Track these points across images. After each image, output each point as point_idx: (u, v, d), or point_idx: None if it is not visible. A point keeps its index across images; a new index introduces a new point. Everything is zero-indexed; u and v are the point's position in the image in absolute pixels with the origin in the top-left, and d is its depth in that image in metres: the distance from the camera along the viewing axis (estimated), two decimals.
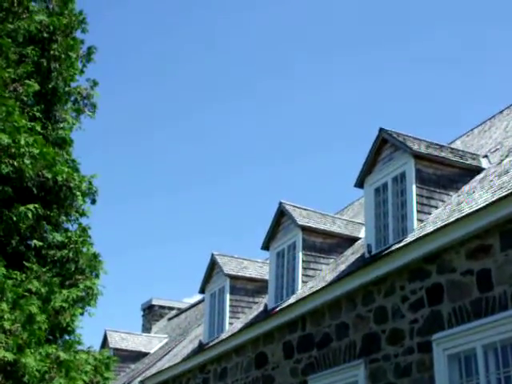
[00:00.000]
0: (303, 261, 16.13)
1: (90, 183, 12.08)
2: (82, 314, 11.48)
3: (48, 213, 11.51)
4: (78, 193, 11.65)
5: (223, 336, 18.28)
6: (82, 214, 12.11)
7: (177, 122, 53.82)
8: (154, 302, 32.88)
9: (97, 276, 11.80)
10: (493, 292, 10.28)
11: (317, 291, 14.10)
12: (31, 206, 10.96)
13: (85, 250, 11.79)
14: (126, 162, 55.59)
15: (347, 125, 51.68)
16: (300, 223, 16.23)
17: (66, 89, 12.35)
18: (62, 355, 10.28)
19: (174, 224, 57.77)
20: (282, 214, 16.96)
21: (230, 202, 55.98)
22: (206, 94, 52.62)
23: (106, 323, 58.12)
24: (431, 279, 11.54)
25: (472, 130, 18.49)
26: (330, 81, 49.41)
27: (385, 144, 13.77)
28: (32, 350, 9.78)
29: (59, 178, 11.23)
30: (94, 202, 12.26)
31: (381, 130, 13.77)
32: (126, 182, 56.23)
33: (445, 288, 11.21)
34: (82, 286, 11.37)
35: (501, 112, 17.72)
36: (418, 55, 46.16)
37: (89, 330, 43.17)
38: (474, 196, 11.77)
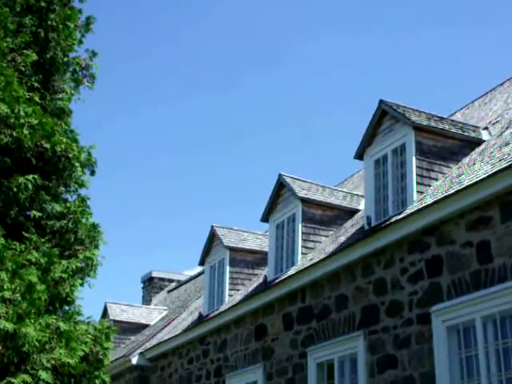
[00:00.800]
0: (303, 233, 16.14)
1: (89, 154, 12.03)
2: (81, 284, 11.48)
3: (47, 183, 11.47)
4: (77, 163, 11.60)
5: (223, 308, 18.33)
6: (81, 185, 12.06)
7: (176, 92, 53.66)
8: (154, 275, 32.94)
9: (96, 247, 11.78)
10: (492, 264, 10.28)
11: (316, 263, 14.12)
12: (30, 177, 10.93)
13: (84, 220, 11.77)
14: (126, 134, 55.48)
15: (347, 96, 51.54)
16: (300, 195, 16.22)
17: (65, 59, 12.25)
18: (62, 325, 10.29)
19: (174, 196, 57.84)
20: (281, 186, 16.94)
21: (230, 174, 56.00)
22: (208, 65, 52.44)
23: (107, 295, 58.41)
24: (431, 251, 11.54)
25: (472, 102, 18.45)
26: (330, 55, 49.23)
27: (385, 116, 13.72)
28: (32, 320, 9.79)
29: (58, 149, 11.18)
30: (93, 173, 12.22)
31: (381, 101, 13.71)
32: (126, 153, 56.16)
33: (444, 260, 11.22)
34: (81, 256, 11.35)
35: (501, 84, 17.66)
36: (420, 25, 45.93)
37: (89, 302, 43.28)
38: (474, 168, 11.74)
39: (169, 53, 52.59)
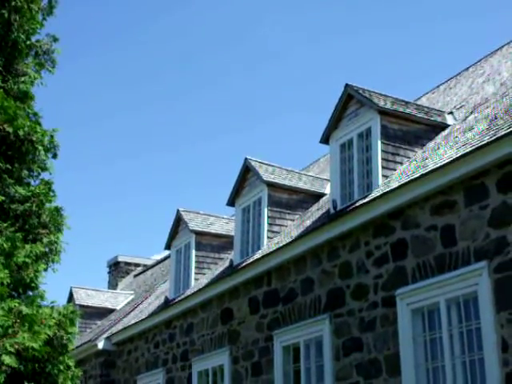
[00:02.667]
0: (269, 217, 16.16)
1: (52, 137, 11.88)
2: (45, 269, 11.36)
3: (10, 167, 11.32)
4: (40, 147, 11.45)
5: (189, 292, 18.32)
6: (45, 169, 11.91)
7: (138, 73, 53.32)
8: (120, 259, 32.83)
9: (60, 231, 11.65)
10: (456, 247, 10.36)
11: (282, 247, 14.14)
12: None
13: (47, 204, 11.63)
14: (89, 118, 55.05)
15: (313, 81, 51.56)
16: (265, 179, 16.23)
17: (28, 42, 12.09)
18: (25, 309, 10.18)
19: (139, 180, 57.56)
20: (247, 170, 16.93)
21: (197, 158, 55.86)
22: (175, 54, 52.16)
23: (72, 280, 58.07)
24: (396, 235, 11.60)
25: (438, 86, 18.56)
26: (298, 37, 49.16)
27: (351, 100, 13.74)
28: None
29: (21, 132, 11.02)
30: (55, 156, 12.04)
31: (347, 85, 13.72)
32: (89, 136, 55.72)
33: (409, 243, 11.29)
34: (45, 240, 11.23)
35: (466, 69, 17.78)
36: (385, 11, 46.04)
37: (55, 287, 43.12)
38: (439, 152, 11.81)
39: (132, 37, 52.22)
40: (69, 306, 11.29)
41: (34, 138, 11.24)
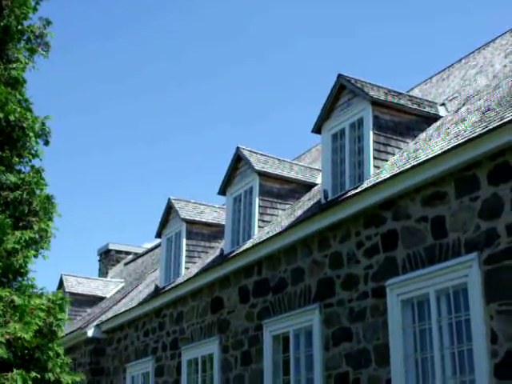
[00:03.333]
0: (260, 206, 16.16)
1: (44, 124, 11.81)
2: (35, 256, 11.32)
3: (0, 154, 11.28)
4: (31, 134, 11.39)
5: (179, 280, 18.32)
6: (35, 156, 11.86)
7: (132, 62, 53.18)
8: (111, 247, 32.82)
9: (50, 218, 11.61)
10: (447, 239, 10.38)
11: (273, 236, 14.14)
12: None
13: (38, 191, 11.59)
14: (82, 106, 54.90)
15: (306, 71, 51.51)
16: (257, 168, 16.21)
17: (19, 27, 12.00)
18: (17, 299, 10.15)
19: (131, 169, 57.47)
20: (238, 159, 16.91)
21: (188, 147, 55.79)
22: (169, 43, 52.00)
23: (63, 268, 58.01)
24: (386, 225, 11.61)
25: (430, 78, 18.55)
26: (292, 28, 49.06)
27: (343, 90, 13.73)
28: None
29: (11, 118, 10.96)
30: (47, 143, 12.00)
31: (339, 75, 13.71)
32: (82, 124, 55.57)
33: (399, 234, 11.30)
34: (35, 227, 11.20)
35: (459, 61, 17.77)
36: (379, 3, 45.97)
37: (45, 275, 42.98)
38: (431, 143, 11.81)
39: (127, 25, 52.04)
40: (58, 292, 11.27)
41: (25, 125, 11.19)
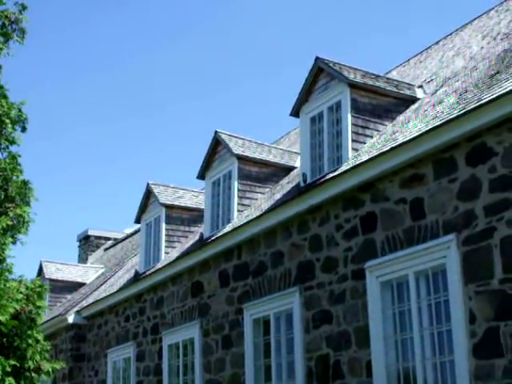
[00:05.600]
0: (239, 190, 16.15)
1: (20, 110, 11.71)
2: (13, 242, 11.26)
3: None
4: (7, 120, 11.29)
5: (159, 265, 18.30)
6: (12, 142, 11.75)
7: (111, 48, 52.84)
8: (90, 233, 32.74)
9: (27, 204, 11.54)
10: (425, 220, 10.41)
11: (252, 220, 14.14)
12: None
13: (14, 177, 11.51)
14: (58, 89, 54.50)
15: (283, 54, 51.43)
16: (236, 152, 16.19)
17: None
18: None
19: (110, 153, 57.23)
20: (217, 143, 16.88)
21: (166, 131, 55.61)
22: (147, 22, 51.69)
23: (43, 255, 57.69)
24: (365, 208, 11.64)
25: (408, 60, 18.56)
26: (271, 10, 48.92)
27: (321, 73, 13.71)
28: None
29: None
30: (24, 129, 11.90)
31: (317, 58, 13.69)
32: (60, 109, 55.22)
33: (378, 216, 11.33)
34: (12, 214, 11.13)
35: (437, 43, 17.78)
36: None
37: (24, 261, 42.85)
38: (409, 126, 11.83)
39: (105, 9, 51.65)
40: (37, 280, 11.24)
41: (1, 112, 11.09)
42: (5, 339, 10.46)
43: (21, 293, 10.56)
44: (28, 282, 11.15)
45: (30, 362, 10.69)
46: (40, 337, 11.09)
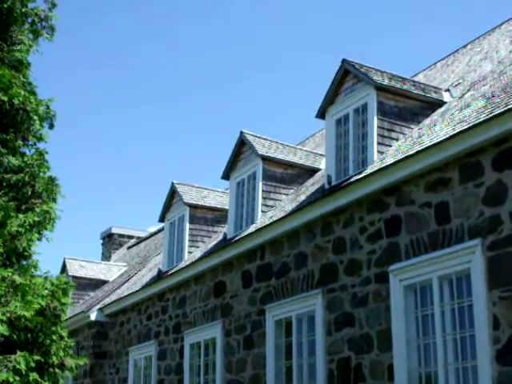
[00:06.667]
0: (263, 191, 16.15)
1: (48, 107, 11.78)
2: (39, 239, 11.35)
3: (4, 137, 11.28)
4: (35, 117, 11.38)
5: (182, 265, 18.34)
6: (40, 139, 11.86)
7: (137, 44, 53.04)
8: (114, 231, 32.85)
9: (54, 200, 11.62)
10: (450, 224, 10.36)
11: (276, 221, 14.14)
12: None
13: (41, 174, 11.59)
14: (86, 87, 54.80)
15: (311, 56, 51.37)
16: (260, 153, 16.20)
17: (23, 10, 11.95)
18: (18, 279, 10.19)
19: (135, 152, 57.45)
20: (242, 144, 16.90)
21: (192, 131, 55.75)
22: (178, 20, 51.84)
23: (66, 252, 57.97)
24: (390, 211, 11.60)
25: (435, 63, 18.50)
26: (294, 13, 48.90)
27: (347, 75, 13.69)
28: None
29: (15, 101, 10.95)
30: (51, 126, 12.00)
31: (343, 60, 13.67)
32: (87, 106, 55.52)
33: (403, 220, 11.29)
34: (38, 210, 11.20)
35: (464, 46, 17.71)
36: None
37: (48, 258, 43.14)
38: (435, 129, 11.78)
39: (132, 6, 51.86)
40: (62, 276, 11.30)
41: (29, 108, 11.18)
42: (29, 335, 10.54)
43: (46, 289, 10.63)
44: (53, 278, 11.22)
45: (54, 358, 10.76)
46: (64, 333, 11.16)
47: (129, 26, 52.51)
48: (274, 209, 15.76)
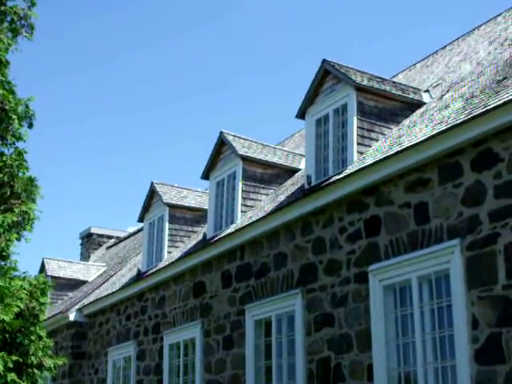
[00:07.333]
0: (243, 191, 16.15)
1: (27, 106, 11.71)
2: (18, 239, 11.26)
3: None
4: (14, 116, 11.30)
5: (161, 265, 18.30)
6: (19, 138, 11.76)
7: (117, 48, 52.88)
8: (93, 231, 32.71)
9: (33, 201, 11.54)
10: (429, 225, 10.41)
11: (256, 221, 14.14)
12: None
13: (20, 174, 11.51)
14: (67, 88, 54.54)
15: (290, 55, 51.43)
16: (240, 153, 16.19)
17: (2, 8, 11.86)
18: None
19: (114, 152, 57.22)
20: (222, 144, 16.88)
21: (170, 131, 55.60)
22: (150, 22, 51.72)
23: (45, 252, 57.70)
24: (369, 211, 11.63)
25: (414, 64, 18.56)
26: (275, 14, 48.91)
27: (327, 75, 13.72)
28: None
29: None
30: (30, 125, 11.90)
31: (324, 61, 13.69)
32: (67, 107, 55.26)
33: (382, 220, 11.32)
34: (17, 210, 11.13)
35: (443, 47, 17.79)
36: None
37: (27, 258, 42.84)
38: (414, 130, 11.83)
39: (114, 6, 51.68)
40: (40, 276, 11.23)
41: (8, 107, 11.09)
42: (7, 335, 10.47)
43: (24, 289, 10.57)
44: (32, 278, 11.15)
45: (33, 358, 10.70)
46: (43, 333, 11.10)
47: (114, 30, 52.33)
48: (254, 209, 15.76)
